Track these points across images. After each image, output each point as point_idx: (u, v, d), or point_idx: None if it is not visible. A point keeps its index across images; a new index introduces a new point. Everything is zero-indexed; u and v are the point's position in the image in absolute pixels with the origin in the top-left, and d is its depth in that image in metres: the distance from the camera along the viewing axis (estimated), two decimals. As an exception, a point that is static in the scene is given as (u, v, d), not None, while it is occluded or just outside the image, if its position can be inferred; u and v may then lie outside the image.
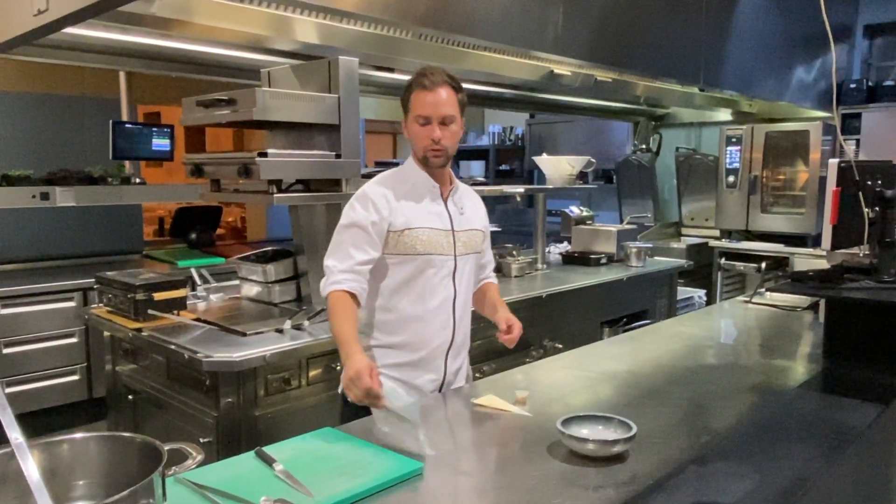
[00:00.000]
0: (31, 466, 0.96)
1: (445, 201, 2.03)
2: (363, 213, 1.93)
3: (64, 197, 4.28)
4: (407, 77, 3.56)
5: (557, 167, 4.19)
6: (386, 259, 1.96)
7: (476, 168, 7.92)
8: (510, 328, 2.06)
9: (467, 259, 2.05)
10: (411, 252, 1.95)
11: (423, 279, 1.97)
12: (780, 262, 5.21)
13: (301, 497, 1.30)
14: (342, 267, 1.90)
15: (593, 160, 4.30)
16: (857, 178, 2.39)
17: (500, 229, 6.77)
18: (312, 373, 2.50)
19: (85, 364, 4.15)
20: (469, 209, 2.10)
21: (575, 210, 4.73)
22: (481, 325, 3.15)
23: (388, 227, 1.93)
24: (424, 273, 1.97)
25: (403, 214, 1.94)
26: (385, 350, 2.01)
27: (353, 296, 1.89)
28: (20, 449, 0.98)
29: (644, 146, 6.36)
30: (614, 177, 6.60)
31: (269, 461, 1.46)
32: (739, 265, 5.46)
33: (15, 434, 0.98)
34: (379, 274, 1.98)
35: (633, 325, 3.88)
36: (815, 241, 5.06)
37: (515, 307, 3.31)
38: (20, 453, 0.97)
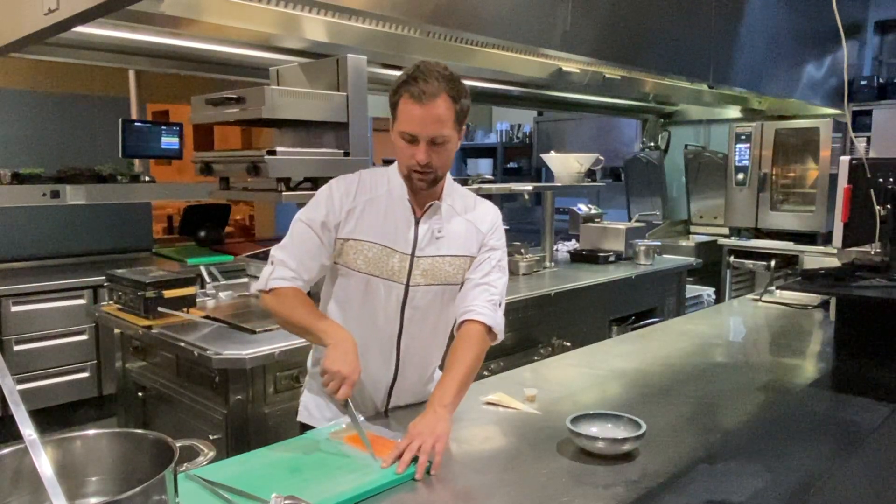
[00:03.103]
0: (44, 462, 0.97)
1: (418, 221, 1.70)
2: (316, 210, 1.69)
3: (74, 195, 4.31)
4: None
5: (565, 165, 4.18)
6: (335, 266, 1.73)
7: (484, 166, 7.92)
8: (412, 447, 1.45)
9: (428, 290, 1.70)
10: (352, 267, 1.69)
11: (365, 301, 1.71)
12: (789, 260, 5.19)
13: (312, 494, 1.30)
14: (293, 266, 1.67)
15: (601, 158, 4.29)
16: (869, 176, 2.38)
17: (507, 227, 6.77)
18: (321, 370, 2.50)
19: (95, 361, 4.18)
20: (455, 231, 1.72)
21: (583, 208, 4.73)
22: (489, 322, 3.17)
23: (335, 229, 1.67)
24: (366, 295, 1.70)
25: (355, 221, 1.67)
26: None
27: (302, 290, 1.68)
28: (34, 445, 0.98)
29: (653, 144, 6.34)
30: (623, 174, 6.59)
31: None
32: (749, 263, 5.44)
33: (28, 430, 0.99)
34: (329, 279, 1.77)
35: (642, 323, 3.87)
36: (826, 239, 5.04)
37: (523, 305, 3.33)
38: (34, 449, 0.98)
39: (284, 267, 1.67)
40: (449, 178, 1.76)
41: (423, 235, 1.69)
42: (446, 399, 1.58)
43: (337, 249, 1.70)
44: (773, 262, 5.04)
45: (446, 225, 1.71)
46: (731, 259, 5.51)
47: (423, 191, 1.66)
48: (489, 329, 1.69)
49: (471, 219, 1.75)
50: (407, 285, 1.69)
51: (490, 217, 1.79)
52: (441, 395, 1.59)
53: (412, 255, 1.68)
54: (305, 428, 1.78)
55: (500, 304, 1.73)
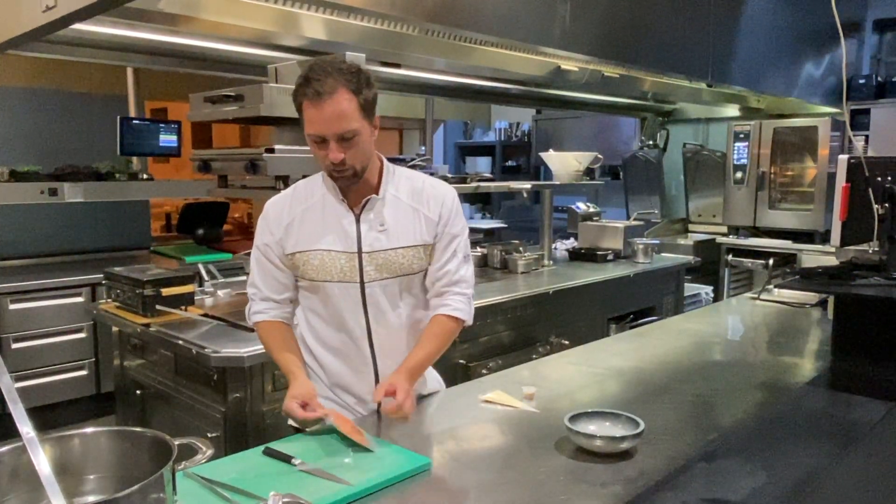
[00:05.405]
0: (42, 460, 0.97)
1: (358, 216, 1.69)
2: (260, 236, 1.75)
3: (72, 193, 4.31)
4: (414, 73, 3.60)
5: (564, 163, 4.18)
6: (297, 280, 1.77)
7: (482, 164, 7.91)
8: (391, 390, 1.58)
9: (385, 285, 1.71)
10: (306, 277, 1.72)
11: (328, 307, 1.73)
12: (787, 259, 5.19)
13: (310, 493, 1.30)
14: (262, 295, 1.77)
15: (600, 156, 4.29)
16: (867, 174, 2.38)
17: (506, 226, 6.77)
18: (319, 368, 2.50)
19: (93, 359, 4.18)
20: (403, 221, 1.71)
21: (582, 206, 4.73)
22: (488, 321, 3.17)
23: (279, 246, 1.72)
24: (326, 301, 1.72)
25: (297, 234, 1.70)
26: (314, 378, 1.80)
27: (283, 322, 1.78)
28: (31, 443, 0.98)
29: (651, 142, 6.35)
30: (621, 173, 6.59)
31: (281, 458, 1.47)
32: (747, 261, 5.44)
33: (26, 428, 0.99)
34: (299, 293, 1.81)
35: (640, 321, 3.87)
36: (824, 238, 5.05)
37: (522, 304, 3.33)
38: (31, 447, 0.98)
39: (256, 299, 1.79)
40: (389, 165, 1.75)
41: (367, 231, 1.68)
42: (416, 371, 1.71)
43: (291, 264, 1.73)
44: (771, 261, 5.04)
45: (391, 216, 1.70)
46: (730, 257, 5.52)
47: (351, 187, 1.66)
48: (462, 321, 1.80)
49: (419, 207, 1.73)
50: (362, 283, 1.69)
51: (441, 203, 1.74)
52: (413, 366, 1.69)
53: (359, 252, 1.68)
54: (297, 431, 1.78)
55: (471, 297, 1.81)
